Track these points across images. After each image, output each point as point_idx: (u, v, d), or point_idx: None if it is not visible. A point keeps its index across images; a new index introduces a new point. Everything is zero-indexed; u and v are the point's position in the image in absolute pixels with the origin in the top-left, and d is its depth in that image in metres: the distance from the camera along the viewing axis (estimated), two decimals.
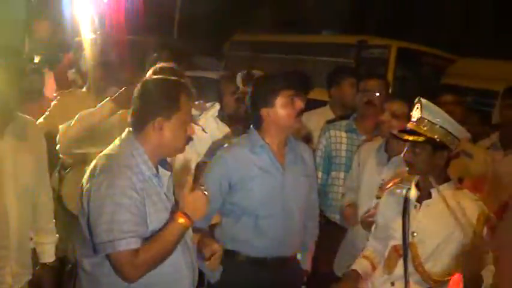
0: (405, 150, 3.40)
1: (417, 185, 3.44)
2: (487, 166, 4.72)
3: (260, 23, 14.21)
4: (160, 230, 2.86)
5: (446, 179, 3.39)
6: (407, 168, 3.44)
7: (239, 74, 6.28)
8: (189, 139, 3.03)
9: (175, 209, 2.97)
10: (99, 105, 4.14)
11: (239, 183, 3.74)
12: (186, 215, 2.85)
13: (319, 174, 4.84)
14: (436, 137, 3.28)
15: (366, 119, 4.82)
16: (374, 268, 3.61)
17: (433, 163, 3.33)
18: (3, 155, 3.41)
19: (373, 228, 3.75)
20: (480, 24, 13.63)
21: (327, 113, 5.50)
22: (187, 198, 2.88)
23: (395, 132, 3.53)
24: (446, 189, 3.36)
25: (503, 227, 3.41)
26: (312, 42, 12.14)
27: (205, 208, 2.94)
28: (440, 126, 3.29)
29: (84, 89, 4.80)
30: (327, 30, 12.35)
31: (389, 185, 3.71)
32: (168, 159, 3.18)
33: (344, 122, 4.94)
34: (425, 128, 3.30)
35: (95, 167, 2.90)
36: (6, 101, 3.40)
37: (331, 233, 4.56)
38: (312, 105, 5.89)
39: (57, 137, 4.17)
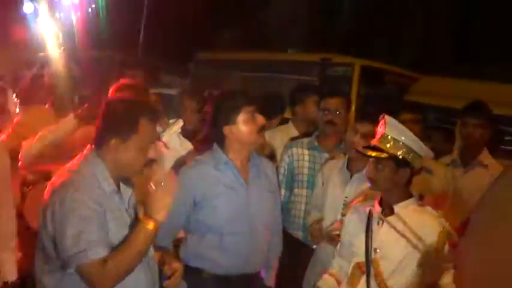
0: (368, 166, 3.44)
1: (380, 202, 3.47)
2: (447, 182, 4.78)
3: (225, 41, 14.25)
4: (127, 237, 2.85)
5: (409, 196, 3.43)
6: (369, 185, 3.46)
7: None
8: (150, 161, 2.99)
9: (135, 222, 2.98)
10: (63, 121, 4.11)
11: (204, 200, 3.74)
12: (151, 218, 2.84)
13: (282, 191, 4.85)
14: (399, 153, 3.32)
15: (327, 137, 4.86)
16: (339, 286, 3.62)
17: (396, 180, 3.36)
18: None
19: (338, 246, 3.76)
20: (441, 43, 13.86)
21: (290, 130, 5.54)
22: (152, 199, 2.87)
23: (359, 148, 3.57)
24: (408, 205, 3.39)
25: (463, 243, 3.47)
26: (276, 60, 12.19)
27: (168, 205, 2.91)
28: (404, 144, 3.33)
29: (47, 105, 4.76)
30: (292, 48, 12.43)
31: (353, 203, 3.74)
32: None
33: (306, 140, 4.97)
34: (388, 145, 3.33)
35: (55, 182, 2.89)
36: None
37: (294, 250, 4.57)
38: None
39: (20, 154, 4.13)
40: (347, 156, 4.33)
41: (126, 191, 3.04)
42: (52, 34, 5.81)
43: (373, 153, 3.36)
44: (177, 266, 3.35)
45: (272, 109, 5.91)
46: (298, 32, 14.16)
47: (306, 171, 4.84)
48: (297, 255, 4.57)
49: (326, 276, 3.69)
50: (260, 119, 3.72)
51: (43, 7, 6.00)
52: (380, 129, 3.40)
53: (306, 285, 4.44)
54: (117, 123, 2.93)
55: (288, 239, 4.55)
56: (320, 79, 10.60)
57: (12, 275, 3.67)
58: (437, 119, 9.27)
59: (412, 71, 11.05)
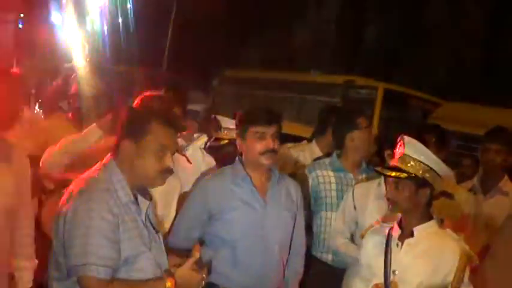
0: (388, 187, 3.41)
1: (399, 224, 3.43)
2: (469, 208, 4.72)
3: (250, 60, 14.31)
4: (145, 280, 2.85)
5: (429, 218, 3.39)
6: (389, 206, 3.43)
7: None
8: (168, 171, 2.97)
9: (153, 236, 2.98)
10: (86, 130, 4.12)
11: (219, 213, 3.74)
12: (176, 284, 2.84)
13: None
14: (419, 173, 3.29)
15: (350, 157, 4.79)
16: None
17: (416, 200, 3.32)
18: None
19: (358, 267, 3.69)
20: (467, 70, 13.81)
21: (313, 149, 5.50)
22: (186, 272, 2.89)
23: (379, 168, 3.53)
24: (428, 228, 3.35)
25: (484, 269, 3.43)
26: (300, 81, 12.24)
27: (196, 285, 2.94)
28: (423, 163, 3.29)
29: (70, 115, 4.79)
30: (315, 69, 12.46)
31: (372, 225, 3.69)
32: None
33: (327, 160, 4.83)
34: (408, 165, 3.30)
35: (72, 190, 2.89)
36: None
37: (324, 275, 4.52)
38: (296, 141, 5.90)
39: (41, 160, 4.14)
40: (383, 179, 4.25)
41: (144, 203, 3.01)
42: (78, 45, 5.87)
43: (393, 173, 3.33)
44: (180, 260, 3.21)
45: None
46: (323, 54, 14.18)
47: (334, 193, 4.69)
48: (326, 279, 4.47)
49: None
50: (265, 143, 3.71)
51: (71, 18, 6.06)
52: (399, 150, 3.37)
53: None
54: (129, 125, 2.95)
55: (316, 263, 4.55)
56: (343, 101, 10.61)
57: (27, 283, 3.67)
58: (458, 145, 9.24)
59: (437, 97, 11.01)
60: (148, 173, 2.92)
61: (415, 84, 11.32)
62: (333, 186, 4.71)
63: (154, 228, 3.06)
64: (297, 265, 4.04)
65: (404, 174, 3.29)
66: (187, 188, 4.18)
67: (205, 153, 4.53)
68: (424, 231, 3.33)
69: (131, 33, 11.37)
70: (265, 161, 3.77)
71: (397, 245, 3.38)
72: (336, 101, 10.55)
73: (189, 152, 4.36)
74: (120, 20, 10.60)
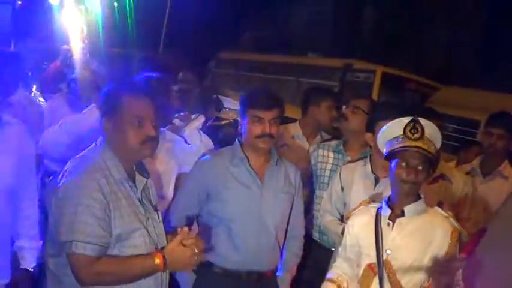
0: (407, 170, 3.32)
1: (388, 204, 3.44)
2: (467, 189, 4.78)
3: (246, 42, 14.28)
4: (133, 256, 2.86)
5: (418, 196, 3.39)
6: (405, 188, 3.36)
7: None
8: (150, 140, 2.95)
9: (151, 214, 3.01)
10: (85, 110, 4.12)
11: (215, 192, 3.80)
12: (164, 259, 2.84)
13: (305, 191, 4.81)
14: (434, 152, 3.32)
15: (354, 143, 4.81)
16: None
17: (427, 179, 3.36)
18: None
19: (340, 249, 3.69)
20: (465, 54, 13.80)
21: (295, 129, 5.46)
22: (175, 247, 2.86)
23: (406, 147, 3.45)
24: (418, 206, 3.37)
25: (480, 251, 3.45)
26: (297, 63, 12.23)
27: (186, 266, 2.91)
28: (433, 143, 3.33)
29: (69, 95, 4.80)
30: (313, 52, 12.45)
31: (358, 207, 3.68)
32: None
33: (334, 143, 4.91)
34: (427, 145, 3.30)
35: (66, 168, 2.93)
36: None
37: (312, 251, 4.53)
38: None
39: (40, 141, 4.15)
40: (368, 159, 4.29)
41: (141, 181, 3.04)
42: (76, 28, 5.83)
43: (425, 153, 3.30)
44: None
45: None
46: (320, 37, 14.16)
47: (327, 173, 4.78)
48: (315, 256, 4.54)
49: (328, 283, 3.61)
50: (261, 127, 3.74)
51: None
52: (418, 130, 3.31)
53: None
54: (103, 105, 3.01)
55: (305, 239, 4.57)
56: (341, 84, 10.62)
57: (30, 263, 3.68)
58: (455, 130, 9.27)
59: (435, 81, 11.02)
60: (131, 146, 2.93)
61: (414, 68, 11.33)
62: (329, 166, 4.78)
63: (153, 207, 3.08)
64: (295, 248, 4.07)
65: (429, 155, 3.29)
66: (186, 169, 4.18)
67: (202, 134, 4.53)
68: (415, 209, 3.35)
69: (127, 15, 11.34)
70: (261, 144, 3.80)
71: (388, 224, 3.38)
72: (333, 84, 10.55)
73: (186, 133, 4.36)
74: (115, 3, 10.55)
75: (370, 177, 4.23)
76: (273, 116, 3.76)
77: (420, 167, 3.29)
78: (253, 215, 3.78)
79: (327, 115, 5.18)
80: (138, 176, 3.03)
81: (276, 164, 3.90)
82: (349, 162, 4.62)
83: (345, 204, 4.33)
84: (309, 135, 5.19)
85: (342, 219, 4.33)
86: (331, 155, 4.84)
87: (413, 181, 3.31)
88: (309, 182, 4.86)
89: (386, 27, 14.41)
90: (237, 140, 3.90)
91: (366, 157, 4.36)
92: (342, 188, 4.37)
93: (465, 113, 9.37)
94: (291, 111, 5.84)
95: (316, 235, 4.71)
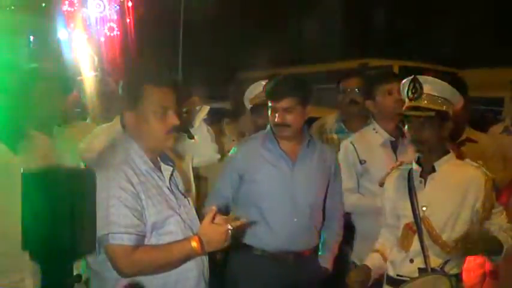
0: (412, 129, 3.38)
1: (418, 162, 3.44)
2: (496, 146, 4.80)
3: (263, 60, 14.35)
4: (171, 243, 2.86)
5: (447, 151, 3.40)
6: (415, 147, 3.41)
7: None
8: (175, 130, 2.98)
9: (181, 201, 3.04)
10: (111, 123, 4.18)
11: (246, 174, 3.88)
12: (201, 241, 2.83)
13: None
14: (442, 108, 3.31)
15: (352, 118, 4.88)
16: (386, 260, 3.58)
17: (441, 136, 3.35)
18: (15, 172, 3.44)
19: (383, 218, 3.70)
20: (479, 36, 13.71)
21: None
22: (207, 227, 2.85)
23: (404, 111, 3.46)
24: (447, 161, 3.37)
25: None
26: (315, 71, 12.25)
27: (222, 243, 2.86)
28: (441, 97, 3.32)
29: (87, 121, 4.88)
30: (328, 58, 12.47)
31: (389, 171, 3.68)
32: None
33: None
34: (426, 102, 3.31)
35: (92, 165, 3.00)
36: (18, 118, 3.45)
37: None
38: None
39: (81, 152, 4.19)
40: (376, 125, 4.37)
41: (167, 169, 3.06)
42: (87, 58, 5.97)
43: (423, 114, 3.31)
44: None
45: None
46: (333, 42, 14.21)
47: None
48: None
49: (372, 253, 3.63)
50: (275, 117, 3.82)
51: (77, 33, 6.19)
52: (417, 90, 3.34)
53: (356, 259, 4.32)
54: (125, 97, 2.99)
55: None
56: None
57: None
58: (481, 110, 9.20)
59: (452, 67, 10.96)
60: (157, 136, 2.95)
61: (429, 57, 11.27)
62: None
63: (182, 194, 3.11)
64: (335, 228, 4.11)
65: (430, 113, 3.29)
66: (198, 161, 4.30)
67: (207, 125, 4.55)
68: (445, 164, 3.36)
69: (141, 41, 11.42)
70: (278, 132, 3.88)
71: (421, 182, 3.40)
72: None
73: (196, 124, 4.39)
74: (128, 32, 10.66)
75: (387, 142, 4.31)
76: (286, 106, 3.81)
77: (425, 126, 3.30)
78: (284, 196, 3.83)
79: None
80: (163, 166, 3.06)
81: (308, 146, 3.95)
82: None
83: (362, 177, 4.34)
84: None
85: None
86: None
87: (421, 140, 3.33)
88: None
89: (396, 22, 14.43)
90: (268, 125, 3.98)
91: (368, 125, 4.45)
92: (363, 161, 4.36)
93: (487, 92, 9.30)
94: (318, 112, 5.94)
95: None
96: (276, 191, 3.84)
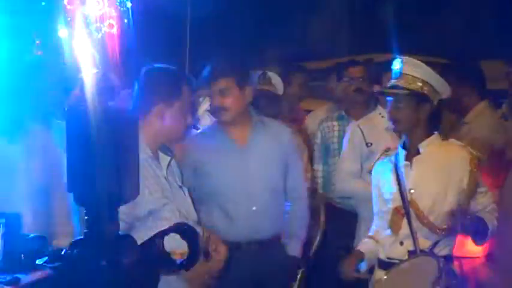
0: (389, 107, 3.45)
1: (403, 146, 3.47)
2: (490, 133, 4.84)
3: (268, 59, 14.34)
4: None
5: (431, 133, 3.42)
6: (392, 126, 3.48)
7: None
8: (190, 128, 3.19)
9: (176, 190, 3.13)
10: None
11: (197, 167, 3.76)
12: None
13: (320, 166, 4.94)
14: (419, 89, 3.34)
15: (355, 106, 4.90)
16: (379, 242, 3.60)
17: (417, 117, 3.36)
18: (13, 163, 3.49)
19: (373, 206, 3.70)
20: (485, 27, 13.64)
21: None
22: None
23: (377, 87, 3.55)
24: (432, 142, 3.40)
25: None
26: (321, 68, 12.25)
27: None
28: (421, 79, 3.34)
29: None
30: (334, 55, 12.46)
31: (378, 158, 3.70)
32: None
33: (336, 113, 5.04)
34: (403, 81, 3.35)
35: None
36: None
37: (342, 219, 4.62)
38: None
39: None
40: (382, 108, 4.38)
41: (165, 159, 3.15)
42: (88, 56, 5.99)
43: (394, 91, 3.38)
44: (223, 249, 3.30)
45: None
46: (336, 39, 14.19)
47: (335, 140, 4.90)
48: (345, 222, 4.56)
49: (365, 239, 3.67)
50: (213, 100, 3.76)
51: (78, 30, 6.20)
52: (396, 69, 3.41)
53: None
54: (163, 90, 3.11)
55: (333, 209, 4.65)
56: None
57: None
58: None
59: (458, 59, 10.91)
60: (178, 130, 3.14)
61: (436, 51, 11.23)
62: (336, 133, 4.94)
63: (178, 184, 3.20)
64: (298, 210, 3.97)
65: (405, 91, 3.34)
66: None
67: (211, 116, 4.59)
68: (429, 145, 3.38)
69: (145, 37, 11.38)
70: (218, 117, 3.79)
71: (407, 165, 3.42)
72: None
73: (199, 115, 4.43)
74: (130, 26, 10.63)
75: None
76: (221, 87, 3.69)
77: (400, 105, 3.36)
78: (237, 183, 3.71)
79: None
80: (161, 155, 3.15)
81: (258, 129, 3.83)
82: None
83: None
84: None
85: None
86: (335, 123, 4.97)
87: (396, 119, 3.38)
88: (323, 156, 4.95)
89: (401, 17, 14.37)
90: None
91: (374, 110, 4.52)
92: (369, 144, 4.43)
93: (495, 84, 9.26)
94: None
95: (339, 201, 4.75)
96: (228, 180, 3.71)
